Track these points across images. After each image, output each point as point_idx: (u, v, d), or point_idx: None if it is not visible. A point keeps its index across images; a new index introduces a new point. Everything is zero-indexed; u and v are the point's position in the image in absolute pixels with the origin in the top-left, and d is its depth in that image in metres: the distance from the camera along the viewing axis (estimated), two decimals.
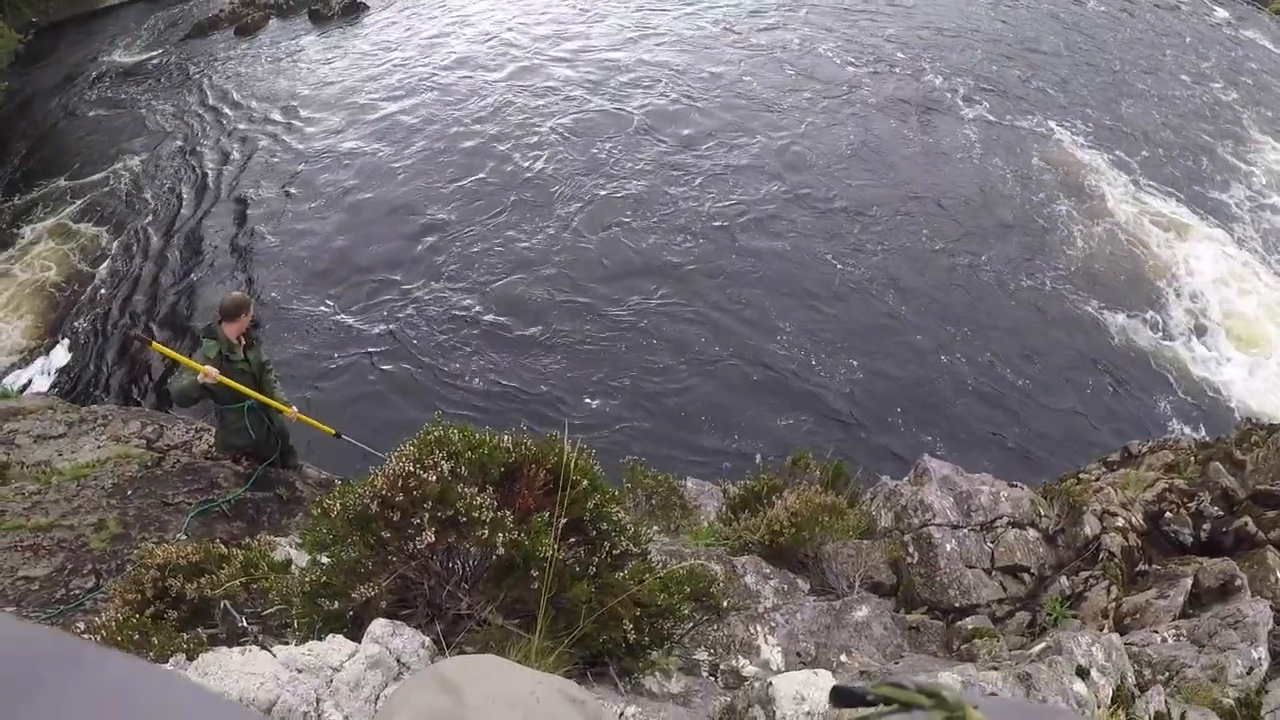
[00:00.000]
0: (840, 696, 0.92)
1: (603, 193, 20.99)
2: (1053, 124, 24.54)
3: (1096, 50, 28.62)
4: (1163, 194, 22.01)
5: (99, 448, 10.13)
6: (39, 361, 18.08)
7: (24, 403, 11.41)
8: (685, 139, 23.18)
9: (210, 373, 7.86)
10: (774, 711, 3.42)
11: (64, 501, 8.69)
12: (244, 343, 8.48)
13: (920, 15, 30.52)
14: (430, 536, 3.45)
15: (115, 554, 7.98)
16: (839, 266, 18.99)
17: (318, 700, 2.90)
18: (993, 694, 3.93)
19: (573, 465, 3.95)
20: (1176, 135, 24.73)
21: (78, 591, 7.48)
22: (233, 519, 8.89)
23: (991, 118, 24.86)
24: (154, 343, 9.03)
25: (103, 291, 19.90)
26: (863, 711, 0.90)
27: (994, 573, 7.64)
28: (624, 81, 26.02)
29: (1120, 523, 7.90)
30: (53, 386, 16.87)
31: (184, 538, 7.47)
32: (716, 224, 20.02)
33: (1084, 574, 7.56)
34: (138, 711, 0.62)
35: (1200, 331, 18.16)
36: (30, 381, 17.37)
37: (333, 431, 9.85)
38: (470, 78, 26.71)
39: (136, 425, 10.85)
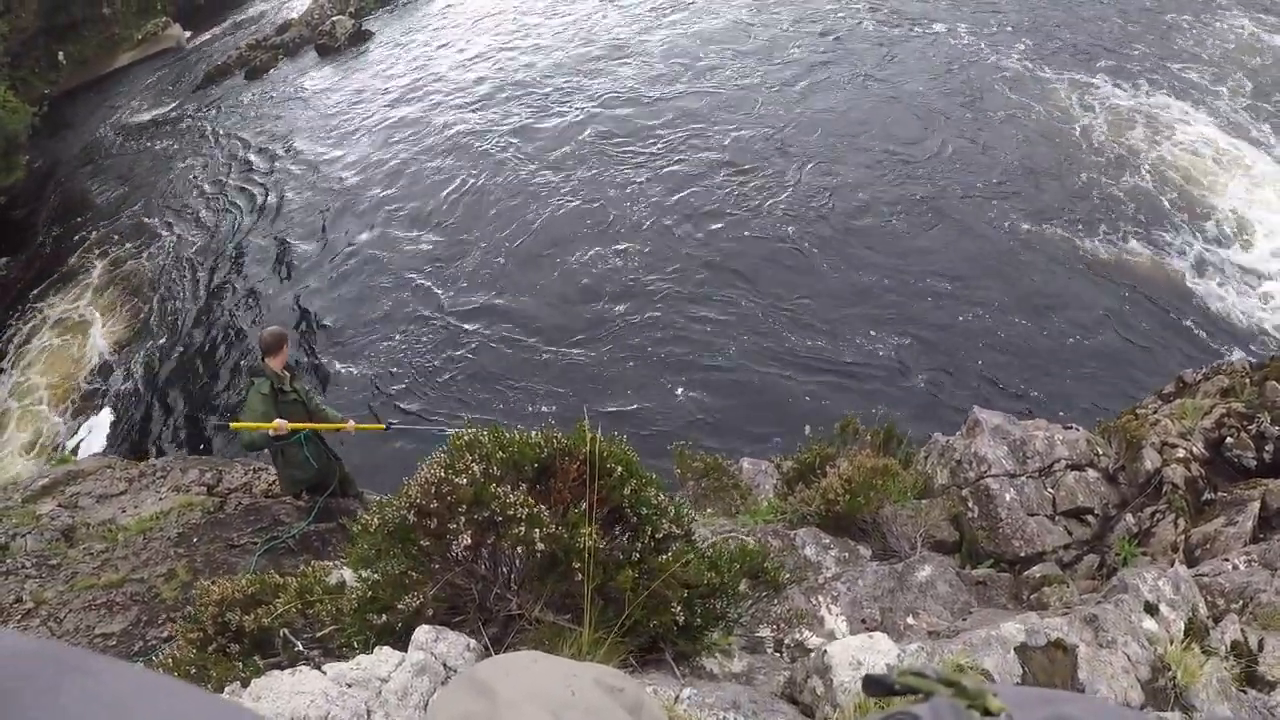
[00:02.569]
0: (872, 685, 0.95)
1: (606, 195, 21.09)
2: (1023, 49, 24.17)
3: None
4: (1168, 108, 21.60)
5: (161, 499, 10.32)
6: (89, 423, 18.45)
7: (83, 465, 11.66)
8: (677, 128, 23.19)
9: (281, 426, 7.94)
10: (831, 679, 3.39)
11: (132, 556, 8.84)
12: (289, 374, 8.56)
13: None
14: (467, 539, 3.47)
15: (188, 601, 8.06)
16: (848, 234, 18.82)
17: (368, 712, 2.93)
18: (1018, 683, 3.87)
19: (607, 453, 3.94)
20: (1168, 38, 24.29)
21: (154, 642, 7.60)
22: (299, 553, 8.94)
23: (965, 46, 24.77)
24: (233, 423, 9.13)
25: (142, 345, 20.25)
26: (892, 700, 0.93)
27: (1057, 518, 7.52)
28: (619, 79, 26.06)
29: (1181, 453, 7.73)
30: (108, 446, 17.19)
31: (253, 576, 7.59)
32: (716, 209, 19.97)
33: (1149, 509, 7.42)
34: (136, 715, 0.62)
35: (1232, 249, 17.73)
36: (81, 439, 17.78)
37: (382, 426, 9.97)
38: (476, 93, 26.89)
39: (195, 473, 11.03)
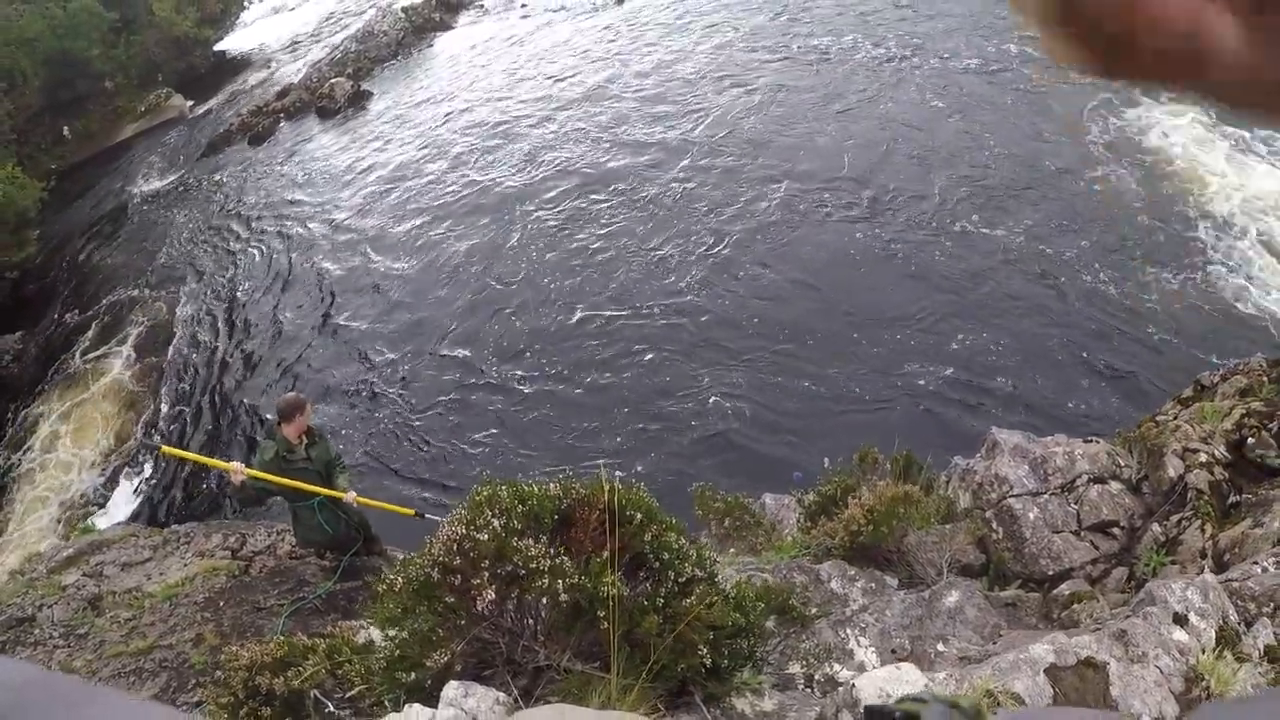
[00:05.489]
0: (874, 716, 0.98)
1: (598, 242, 21.26)
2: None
3: None
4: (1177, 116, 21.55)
5: (185, 565, 10.32)
6: (113, 493, 18.53)
7: (106, 535, 11.66)
8: (669, 166, 23.43)
9: (236, 468, 7.84)
10: (860, 713, 3.38)
11: (159, 623, 8.84)
12: (305, 441, 8.52)
13: None
14: (490, 594, 3.48)
15: (217, 665, 8.05)
16: (840, 269, 18.76)
17: None
18: (1049, 705, 3.87)
19: (625, 501, 3.96)
20: None
21: (185, 707, 7.59)
22: (326, 613, 8.93)
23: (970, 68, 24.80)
24: (164, 448, 9.12)
25: (161, 414, 20.37)
26: None
27: (1082, 533, 7.47)
28: (612, 126, 26.29)
29: (1203, 458, 7.67)
30: (132, 516, 17.22)
31: (281, 638, 7.57)
32: (704, 255, 20.02)
33: (1175, 517, 7.36)
34: None
35: (1245, 254, 17.63)
36: (104, 509, 17.86)
37: (412, 512, 9.89)
38: (476, 150, 27.07)
39: (219, 538, 11.03)
